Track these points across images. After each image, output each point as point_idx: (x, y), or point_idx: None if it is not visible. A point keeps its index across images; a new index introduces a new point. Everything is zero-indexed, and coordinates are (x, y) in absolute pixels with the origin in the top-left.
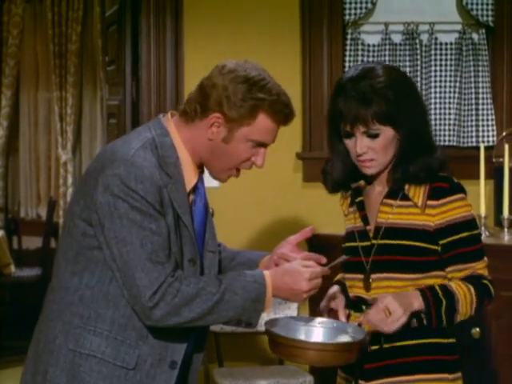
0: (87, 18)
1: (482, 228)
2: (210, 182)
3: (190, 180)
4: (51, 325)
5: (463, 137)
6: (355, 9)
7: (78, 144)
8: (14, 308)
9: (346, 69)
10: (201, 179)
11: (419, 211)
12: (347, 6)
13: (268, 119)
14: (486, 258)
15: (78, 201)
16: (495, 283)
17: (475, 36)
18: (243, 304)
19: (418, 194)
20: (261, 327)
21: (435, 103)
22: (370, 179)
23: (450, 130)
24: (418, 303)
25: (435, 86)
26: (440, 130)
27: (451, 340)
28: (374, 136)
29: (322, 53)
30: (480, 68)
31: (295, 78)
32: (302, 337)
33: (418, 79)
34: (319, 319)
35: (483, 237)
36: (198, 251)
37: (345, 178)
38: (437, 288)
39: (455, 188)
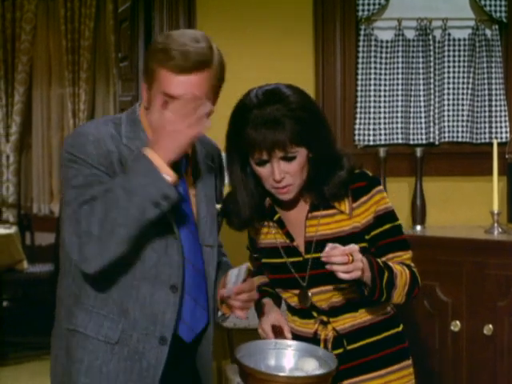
0: (100, 14)
1: (495, 224)
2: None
3: None
4: (57, 311)
5: (476, 133)
6: (368, 5)
7: None
8: (27, 304)
9: (360, 65)
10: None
11: (347, 217)
12: (360, 1)
13: (163, 69)
14: (410, 251)
15: None
16: (508, 280)
17: (488, 32)
18: (137, 182)
19: (343, 203)
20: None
21: (448, 99)
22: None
23: (463, 126)
24: (367, 273)
25: (448, 82)
26: (453, 126)
27: (401, 327)
28: (291, 159)
29: (335, 49)
30: (493, 64)
31: (308, 75)
32: (272, 361)
33: (431, 75)
34: (289, 342)
35: (496, 233)
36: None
37: (254, 214)
38: (378, 260)
39: (372, 183)
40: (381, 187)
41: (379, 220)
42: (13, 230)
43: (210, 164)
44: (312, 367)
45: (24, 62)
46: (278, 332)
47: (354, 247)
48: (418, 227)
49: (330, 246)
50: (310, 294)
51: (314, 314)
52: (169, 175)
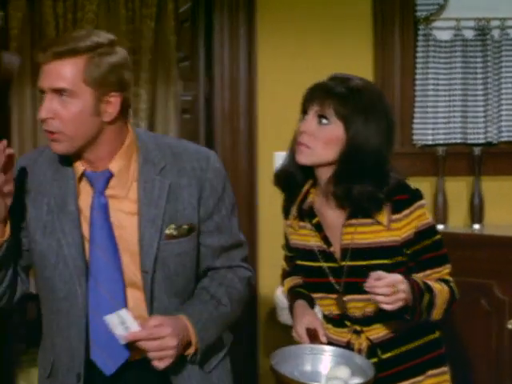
0: (161, 15)
1: None
2: None
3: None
4: None
5: None
6: (427, 5)
7: None
8: None
9: (418, 65)
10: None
11: (384, 228)
12: (419, 2)
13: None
14: (449, 265)
15: None
16: None
17: None
18: None
19: (381, 214)
20: None
21: (506, 99)
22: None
23: None
24: (408, 297)
25: (506, 82)
26: (509, 125)
27: (438, 333)
28: (325, 121)
29: (394, 49)
30: None
31: (367, 75)
32: (308, 367)
33: (490, 74)
34: (325, 347)
35: None
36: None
37: (293, 170)
38: (419, 281)
39: (414, 197)
40: (423, 201)
41: (420, 236)
42: None
43: (165, 182)
44: (345, 375)
45: None
46: (312, 335)
47: (398, 278)
48: (476, 226)
49: (374, 275)
50: (345, 298)
51: (347, 323)
52: None
